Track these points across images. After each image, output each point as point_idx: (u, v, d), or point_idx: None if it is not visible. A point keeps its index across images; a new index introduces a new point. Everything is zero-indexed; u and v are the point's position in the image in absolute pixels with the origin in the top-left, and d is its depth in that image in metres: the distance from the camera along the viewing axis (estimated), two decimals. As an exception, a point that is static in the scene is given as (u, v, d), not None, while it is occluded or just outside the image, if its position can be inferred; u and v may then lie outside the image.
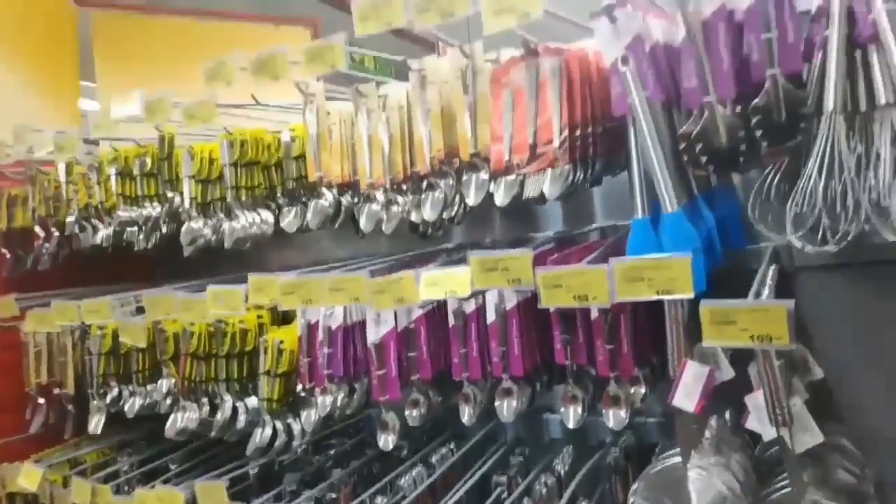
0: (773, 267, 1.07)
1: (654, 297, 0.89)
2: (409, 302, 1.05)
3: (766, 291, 0.94)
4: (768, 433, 0.95)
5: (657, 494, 1.06)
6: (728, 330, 0.84)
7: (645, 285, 0.89)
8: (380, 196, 1.21)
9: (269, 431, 1.29)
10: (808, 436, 0.94)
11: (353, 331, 1.25)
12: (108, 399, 1.57)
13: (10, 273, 1.79)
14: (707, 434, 1.07)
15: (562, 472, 1.31)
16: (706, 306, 0.84)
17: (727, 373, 1.00)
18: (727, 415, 1.15)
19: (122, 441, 1.79)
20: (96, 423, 1.58)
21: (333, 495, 1.30)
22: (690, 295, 0.87)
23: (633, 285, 0.89)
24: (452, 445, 1.46)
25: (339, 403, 1.22)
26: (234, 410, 1.36)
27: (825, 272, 1.13)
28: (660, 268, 0.88)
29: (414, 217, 1.23)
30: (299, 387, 1.30)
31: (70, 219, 1.65)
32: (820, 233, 0.88)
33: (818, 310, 1.14)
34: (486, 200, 1.14)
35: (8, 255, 1.80)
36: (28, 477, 1.59)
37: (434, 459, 1.41)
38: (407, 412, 1.22)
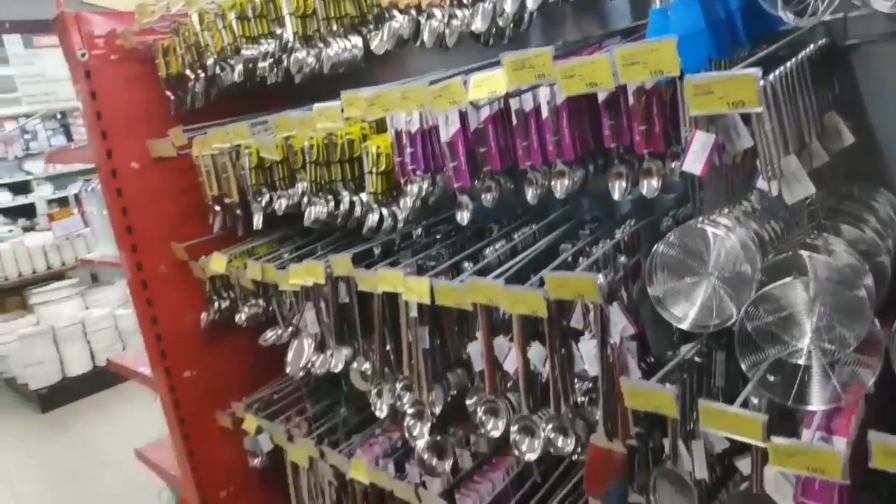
0: (817, 43, 1.15)
1: (649, 78, 1.04)
2: (461, 102, 1.27)
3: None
4: (765, 187, 1.11)
5: (682, 245, 1.26)
6: (708, 100, 0.98)
7: (640, 68, 1.03)
8: (438, 12, 1.40)
9: (377, 216, 1.65)
10: (801, 188, 1.09)
11: (429, 133, 1.51)
12: (262, 202, 2.01)
13: (176, 111, 2.23)
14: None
15: (623, 239, 1.54)
16: (689, 81, 0.98)
17: (746, 141, 1.15)
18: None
19: (283, 236, 2.29)
20: (258, 221, 2.04)
21: (433, 263, 1.65)
22: (676, 73, 1.01)
23: (631, 69, 1.04)
24: (534, 226, 1.74)
25: (423, 192, 1.52)
26: (352, 204, 1.73)
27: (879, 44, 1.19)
28: (651, 51, 1.02)
29: (473, 28, 1.41)
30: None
31: (209, 61, 2.00)
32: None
33: (871, 84, 1.22)
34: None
35: (172, 97, 2.23)
36: (217, 263, 2.12)
37: (516, 235, 1.70)
38: (483, 196, 1.50)
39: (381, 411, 1.78)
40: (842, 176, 1.30)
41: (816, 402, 1.05)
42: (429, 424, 1.60)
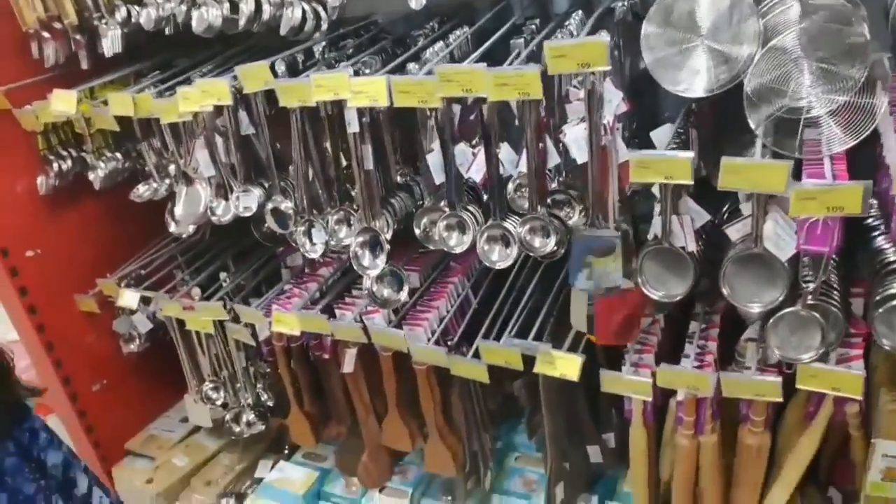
0: None
1: None
2: None
3: None
4: None
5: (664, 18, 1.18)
6: None
7: None
8: None
9: (298, 12, 1.37)
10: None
11: None
12: (118, 19, 1.59)
13: None
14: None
15: (573, 30, 1.43)
16: None
17: None
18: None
19: (153, 65, 1.87)
20: (111, 44, 1.63)
21: (368, 71, 1.43)
22: None
23: None
24: (466, 28, 1.57)
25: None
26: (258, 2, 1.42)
27: None
28: None
29: None
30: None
31: None
32: None
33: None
34: None
35: None
36: (62, 102, 1.68)
37: (451, 38, 1.52)
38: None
39: (313, 252, 1.58)
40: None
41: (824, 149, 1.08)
42: (385, 252, 1.44)
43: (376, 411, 1.88)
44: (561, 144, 1.31)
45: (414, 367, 1.66)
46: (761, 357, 1.36)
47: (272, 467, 2.14)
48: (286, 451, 2.21)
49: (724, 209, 1.36)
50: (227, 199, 1.67)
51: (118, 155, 1.93)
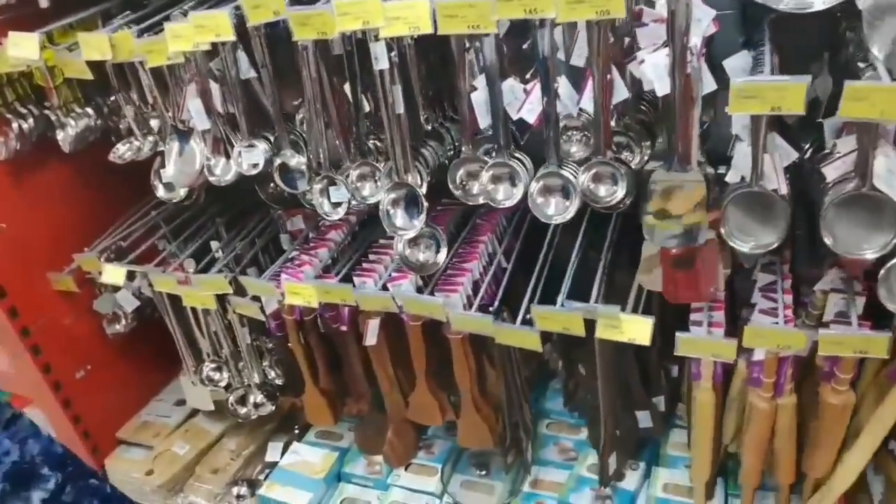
0: None
1: None
2: None
3: None
4: None
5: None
6: None
7: None
8: None
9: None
10: None
11: None
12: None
13: None
14: None
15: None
16: None
17: None
18: None
19: (107, 12, 1.61)
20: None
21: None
22: None
23: None
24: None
25: None
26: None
27: None
28: None
29: None
30: None
31: None
32: None
33: None
34: None
35: None
36: (23, 46, 1.42)
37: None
38: None
39: (334, 213, 1.39)
40: None
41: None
42: (424, 210, 1.26)
43: (400, 385, 1.72)
44: (628, 75, 1.13)
45: (449, 336, 1.49)
46: (846, 309, 1.23)
47: (284, 450, 1.97)
48: (297, 432, 2.04)
49: (808, 146, 1.21)
50: (226, 156, 1.45)
51: (89, 111, 1.68)
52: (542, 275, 1.44)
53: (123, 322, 1.98)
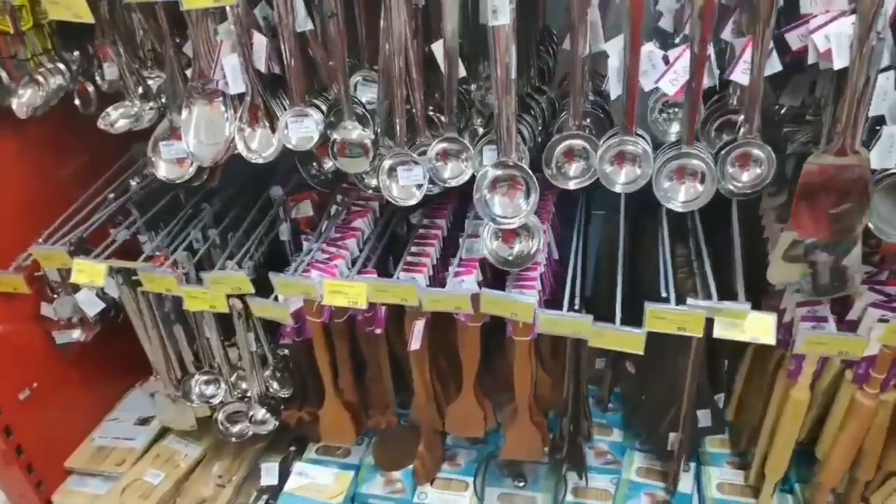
0: None
1: None
2: None
3: None
4: None
5: None
6: None
7: None
8: None
9: None
10: None
11: None
12: None
13: None
14: None
15: None
16: None
17: None
18: None
19: None
20: None
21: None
22: None
23: None
24: None
25: None
26: None
27: None
28: None
29: None
30: None
31: None
32: None
33: None
34: None
35: None
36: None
37: None
38: None
39: (410, 197, 1.17)
40: None
41: None
42: (535, 195, 1.08)
43: (435, 393, 1.53)
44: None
45: (515, 339, 1.33)
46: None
47: (280, 472, 1.72)
48: (292, 450, 1.79)
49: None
50: (263, 125, 1.20)
51: (61, 66, 1.35)
52: (623, 271, 1.31)
53: (80, 330, 1.64)
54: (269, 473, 1.73)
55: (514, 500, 1.61)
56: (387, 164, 1.17)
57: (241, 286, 1.34)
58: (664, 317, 1.14)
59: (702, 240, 1.34)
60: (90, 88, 1.43)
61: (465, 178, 1.15)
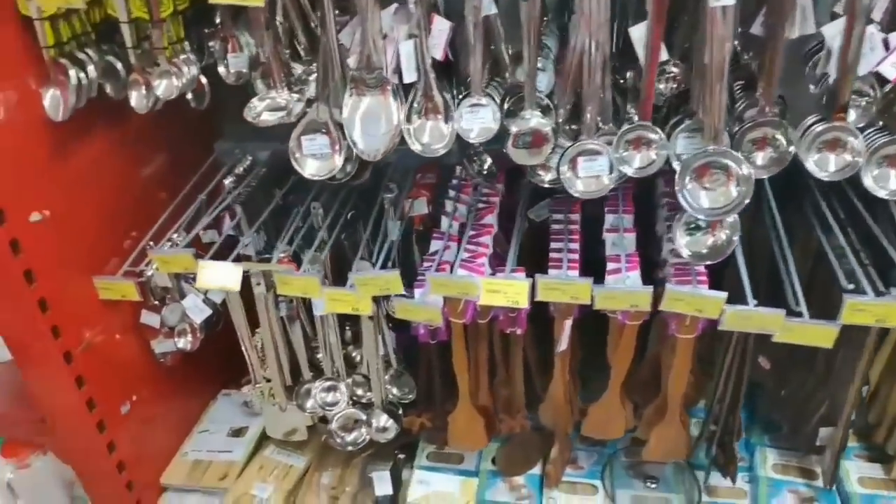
0: None
1: None
2: None
3: None
4: None
5: None
6: None
7: None
8: None
9: None
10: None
11: None
12: None
13: None
14: None
15: None
16: None
17: None
18: None
19: None
20: None
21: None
22: None
23: None
24: None
25: None
26: None
27: None
28: None
29: None
30: None
31: None
32: None
33: None
34: None
35: None
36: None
37: None
38: None
39: (598, 188, 1.11)
40: None
41: None
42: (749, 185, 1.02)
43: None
44: None
45: (678, 336, 1.27)
46: None
47: (394, 480, 1.64)
48: (402, 457, 1.71)
49: None
50: (434, 117, 1.12)
51: (192, 57, 1.25)
52: (783, 262, 1.27)
53: (185, 338, 1.54)
54: (381, 482, 1.65)
55: (646, 501, 1.56)
56: (569, 154, 1.10)
57: (389, 286, 1.26)
58: (864, 309, 1.10)
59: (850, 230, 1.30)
60: (203, 80, 1.34)
61: (656, 167, 1.09)
